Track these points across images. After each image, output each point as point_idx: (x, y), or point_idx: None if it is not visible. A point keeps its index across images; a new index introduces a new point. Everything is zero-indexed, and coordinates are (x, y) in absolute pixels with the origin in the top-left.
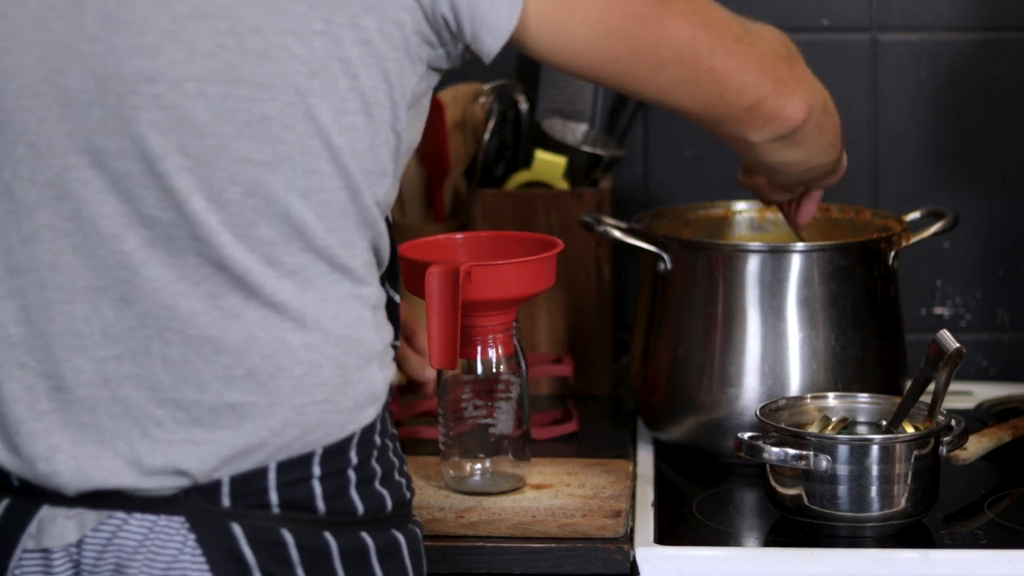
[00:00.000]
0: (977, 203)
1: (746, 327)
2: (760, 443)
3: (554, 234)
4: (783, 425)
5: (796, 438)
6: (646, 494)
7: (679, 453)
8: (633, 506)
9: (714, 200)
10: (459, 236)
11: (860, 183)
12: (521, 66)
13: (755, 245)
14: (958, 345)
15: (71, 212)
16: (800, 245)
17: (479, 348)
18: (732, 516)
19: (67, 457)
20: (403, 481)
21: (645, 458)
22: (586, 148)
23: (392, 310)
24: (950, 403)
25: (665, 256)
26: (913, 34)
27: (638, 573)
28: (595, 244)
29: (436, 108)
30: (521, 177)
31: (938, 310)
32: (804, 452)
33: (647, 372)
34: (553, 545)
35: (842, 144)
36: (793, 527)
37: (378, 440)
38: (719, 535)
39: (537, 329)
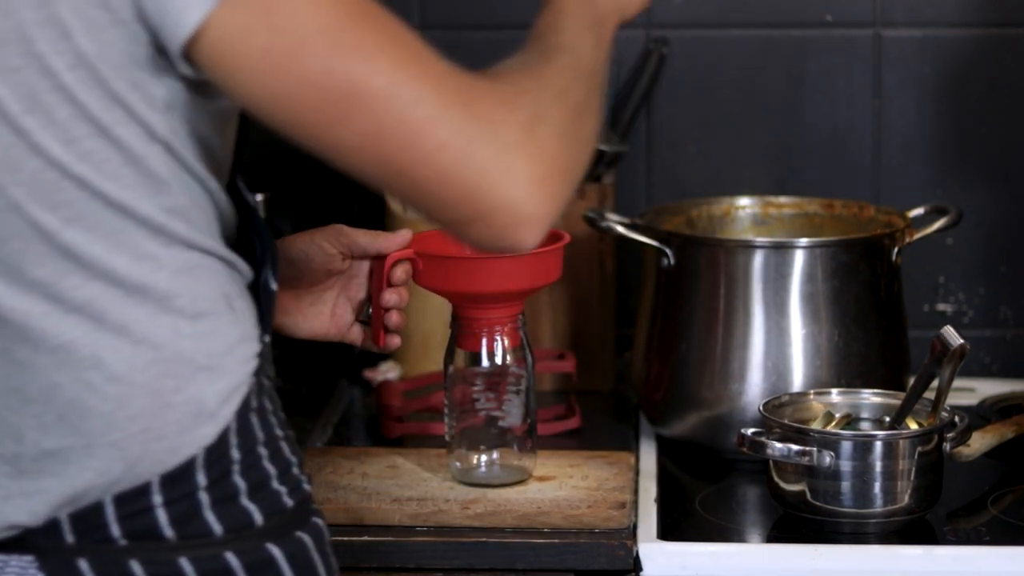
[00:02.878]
0: (980, 199)
1: (749, 323)
2: (763, 439)
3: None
4: (786, 421)
5: (799, 434)
6: (649, 489)
7: (682, 449)
8: (636, 502)
9: (718, 195)
10: None
11: (863, 179)
12: None
13: (759, 241)
14: (962, 341)
15: None
16: (804, 241)
17: (485, 340)
18: (735, 512)
19: None
20: (283, 489)
21: (648, 454)
22: None
23: (268, 300)
24: (953, 399)
25: (668, 252)
26: (917, 30)
27: (641, 569)
28: (598, 239)
29: None
30: None
31: (941, 306)
32: (807, 448)
33: (650, 368)
34: (556, 540)
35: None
36: (796, 523)
37: (236, 454)
38: (722, 531)
39: (540, 325)
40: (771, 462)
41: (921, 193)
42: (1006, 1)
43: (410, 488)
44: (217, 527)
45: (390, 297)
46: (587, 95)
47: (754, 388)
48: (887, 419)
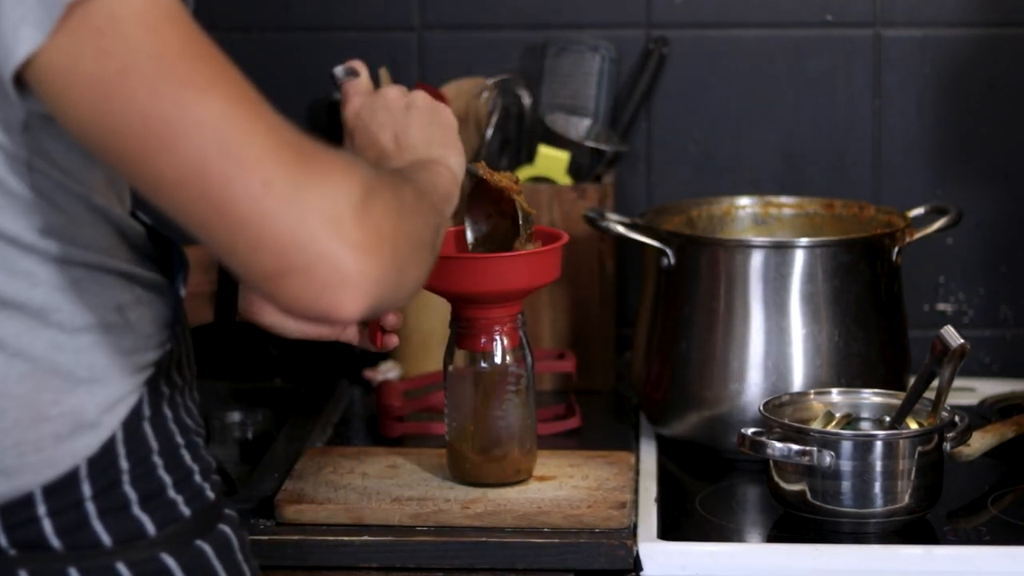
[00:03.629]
0: (980, 199)
1: (749, 323)
2: (764, 439)
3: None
4: (786, 421)
5: (800, 434)
6: (649, 489)
7: (682, 448)
8: (636, 501)
9: (718, 195)
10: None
11: (863, 179)
12: (524, 61)
13: (759, 240)
14: (962, 341)
15: None
16: (804, 241)
17: (484, 340)
18: (735, 512)
19: None
20: (180, 498)
21: (648, 453)
22: (589, 143)
23: (177, 305)
24: (953, 399)
25: (668, 251)
26: (916, 30)
27: (641, 568)
28: (598, 239)
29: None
30: (524, 172)
31: (941, 306)
32: (807, 448)
33: (650, 368)
34: (556, 540)
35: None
36: (796, 523)
37: (125, 464)
38: (722, 531)
39: (540, 324)
40: (771, 462)
41: (921, 193)
42: (1006, 1)
43: (410, 488)
44: (106, 537)
45: None
46: (417, 201)
47: (754, 388)
48: (887, 419)
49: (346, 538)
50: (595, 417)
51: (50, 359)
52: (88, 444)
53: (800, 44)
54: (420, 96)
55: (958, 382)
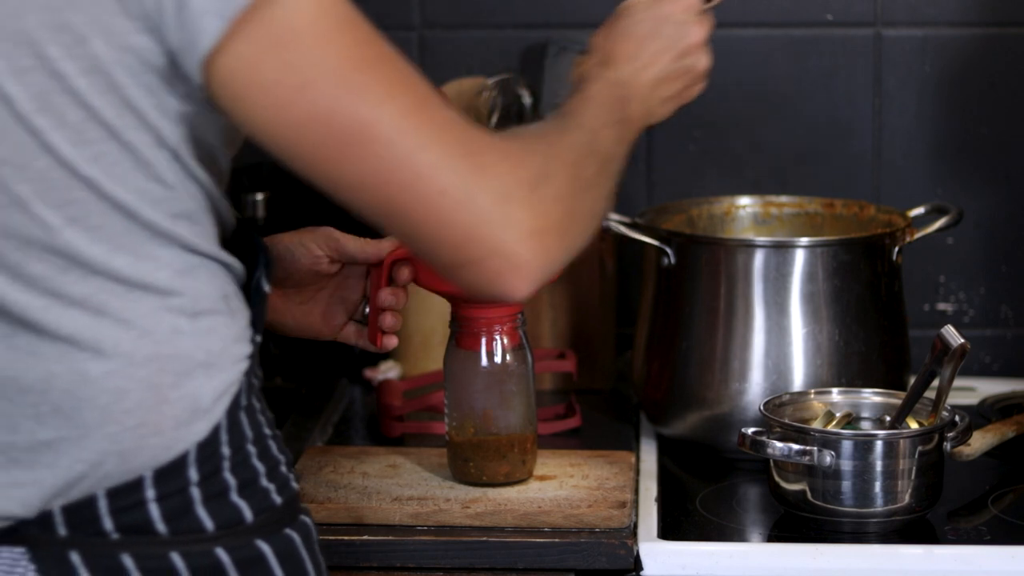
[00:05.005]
0: (981, 199)
1: (750, 322)
2: (764, 438)
3: None
4: (787, 420)
5: (800, 433)
6: (649, 489)
7: (682, 448)
8: (637, 501)
9: (718, 195)
10: None
11: (864, 178)
12: (524, 60)
13: (759, 240)
14: (963, 340)
15: None
16: (804, 240)
17: (484, 339)
18: (736, 511)
19: None
20: (272, 486)
21: (648, 453)
22: None
23: (260, 301)
24: (953, 399)
25: (669, 251)
26: (917, 29)
27: (642, 568)
28: (599, 239)
29: None
30: None
31: (941, 306)
32: (808, 447)
33: (651, 367)
34: (557, 540)
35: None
36: (797, 522)
37: (226, 451)
38: (723, 530)
39: (540, 324)
40: (772, 461)
41: (922, 192)
42: (1007, 1)
43: (411, 487)
44: (209, 523)
45: (387, 298)
46: (597, 175)
47: (755, 387)
48: (888, 418)
49: (346, 537)
50: (595, 416)
51: (172, 342)
52: (200, 429)
53: (801, 43)
54: (702, 60)
55: (958, 382)
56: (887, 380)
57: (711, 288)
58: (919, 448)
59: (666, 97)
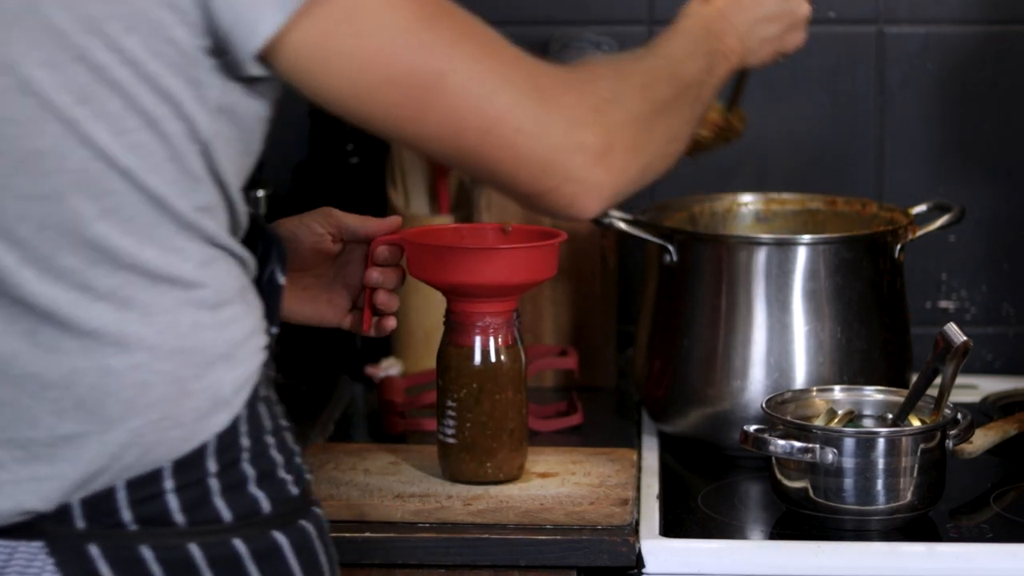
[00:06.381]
0: (983, 197)
1: (752, 319)
2: (766, 436)
3: (559, 226)
4: (789, 418)
5: (802, 431)
6: (651, 486)
7: (684, 445)
8: (639, 498)
9: (720, 192)
10: (465, 226)
11: (866, 176)
12: None
13: (761, 237)
14: (965, 338)
15: None
16: (806, 238)
17: (478, 338)
18: (737, 509)
19: None
20: (289, 477)
21: (650, 450)
22: None
23: (274, 293)
24: (955, 397)
25: (671, 248)
26: (920, 27)
27: (643, 565)
28: (600, 236)
29: None
30: None
31: (943, 303)
32: (810, 445)
33: (652, 364)
34: (559, 537)
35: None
36: (798, 520)
37: (246, 442)
38: (724, 528)
39: (542, 321)
40: (774, 459)
41: (924, 190)
42: None
43: (412, 484)
44: (227, 513)
45: (372, 275)
46: (674, 97)
47: (757, 385)
48: (890, 416)
49: (348, 535)
50: (597, 414)
51: (194, 334)
52: (221, 420)
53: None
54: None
55: (960, 379)
56: (889, 378)
57: (713, 285)
58: (921, 446)
59: (765, 38)
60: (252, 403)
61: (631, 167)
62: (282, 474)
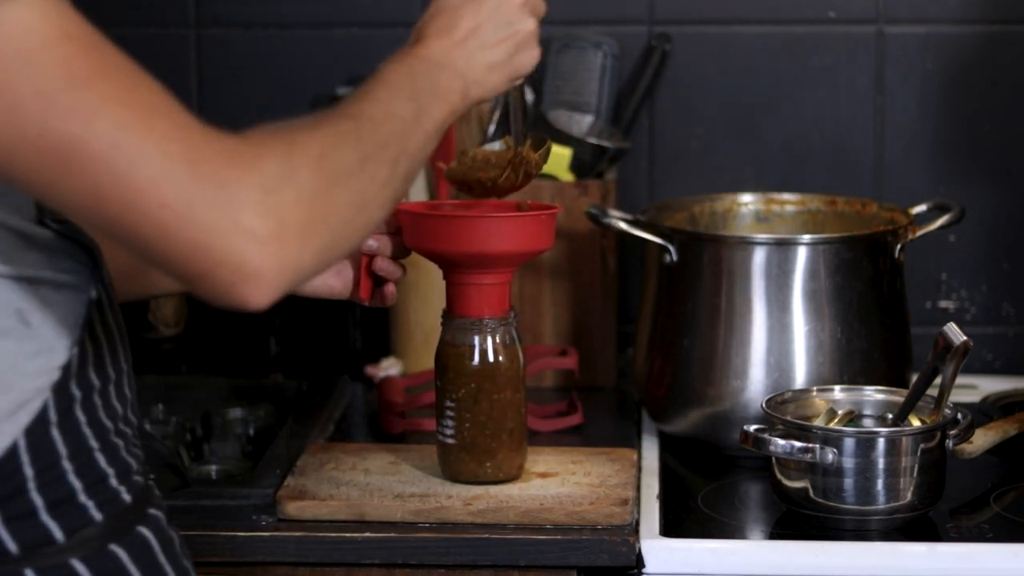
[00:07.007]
0: (983, 196)
1: (752, 319)
2: (766, 435)
3: (559, 226)
4: (789, 418)
5: (802, 431)
6: (651, 486)
7: (684, 445)
8: (639, 498)
9: (720, 192)
10: (461, 201)
11: (866, 176)
12: None
13: (761, 237)
14: (965, 338)
15: None
16: (806, 238)
17: (476, 338)
18: (738, 509)
19: None
20: (91, 502)
21: (650, 450)
22: (591, 139)
23: (85, 305)
24: (955, 396)
25: (671, 248)
26: (920, 26)
27: (643, 565)
28: (600, 236)
29: None
30: None
31: (943, 303)
32: (810, 445)
33: (652, 364)
34: (559, 537)
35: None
36: (799, 520)
37: (30, 471)
38: (725, 528)
39: (542, 321)
40: (774, 459)
41: (924, 190)
42: None
43: (412, 484)
44: (12, 544)
45: (368, 241)
46: (364, 160)
47: (757, 385)
48: (890, 416)
49: (348, 535)
50: (597, 414)
51: None
52: None
53: (803, 41)
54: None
55: (960, 379)
56: (889, 378)
57: (713, 285)
58: (921, 446)
59: (491, 65)
60: (37, 429)
61: (307, 250)
62: (82, 500)
